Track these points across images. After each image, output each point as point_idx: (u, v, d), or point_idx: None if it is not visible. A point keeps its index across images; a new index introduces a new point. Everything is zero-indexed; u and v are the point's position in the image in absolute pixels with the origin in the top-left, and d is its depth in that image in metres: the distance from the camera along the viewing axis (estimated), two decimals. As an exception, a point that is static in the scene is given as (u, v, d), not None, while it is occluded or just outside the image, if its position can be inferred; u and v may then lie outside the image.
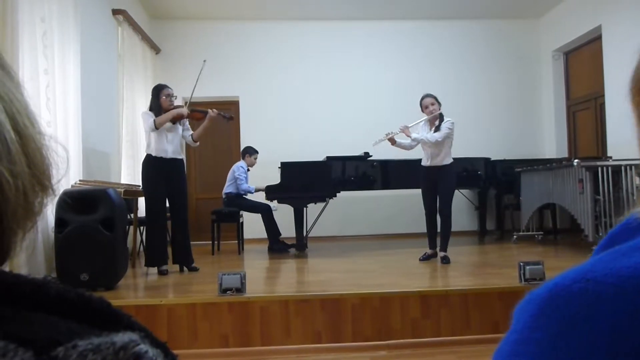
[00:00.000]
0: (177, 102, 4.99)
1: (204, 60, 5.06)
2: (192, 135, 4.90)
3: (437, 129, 4.88)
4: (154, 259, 4.65)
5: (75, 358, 0.34)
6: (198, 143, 5.01)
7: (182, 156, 4.85)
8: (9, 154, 0.39)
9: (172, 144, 4.66)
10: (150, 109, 4.70)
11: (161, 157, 4.60)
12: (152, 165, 4.60)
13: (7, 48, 3.70)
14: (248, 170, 6.58)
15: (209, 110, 4.86)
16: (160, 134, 4.58)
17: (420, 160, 5.13)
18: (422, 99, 4.99)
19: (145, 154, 4.70)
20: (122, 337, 0.37)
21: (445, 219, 4.92)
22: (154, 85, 4.88)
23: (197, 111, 4.90)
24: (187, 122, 4.91)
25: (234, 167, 6.53)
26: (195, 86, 4.91)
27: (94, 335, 0.36)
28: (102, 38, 5.94)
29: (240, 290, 3.42)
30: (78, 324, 0.37)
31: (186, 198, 4.81)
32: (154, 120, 4.52)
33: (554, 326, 0.37)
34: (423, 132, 4.98)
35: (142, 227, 5.65)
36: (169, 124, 4.63)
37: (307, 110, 7.98)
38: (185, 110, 4.67)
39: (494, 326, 3.45)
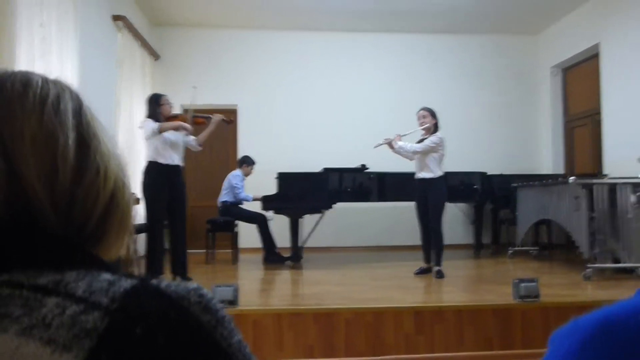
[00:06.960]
0: (174, 111, 5.01)
1: (194, 87, 5.29)
2: (195, 140, 4.93)
3: (422, 142, 5.00)
4: (159, 268, 4.57)
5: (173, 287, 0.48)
6: (201, 147, 5.05)
7: (183, 164, 4.83)
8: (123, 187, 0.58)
9: (178, 151, 4.70)
10: (149, 117, 4.65)
11: (168, 164, 4.56)
12: (157, 172, 4.53)
13: (5, 53, 3.69)
14: (244, 179, 6.57)
15: (212, 116, 5.00)
16: (164, 141, 4.55)
17: (416, 173, 5.17)
18: (418, 111, 5.16)
19: (148, 162, 4.62)
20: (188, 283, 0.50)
21: (435, 233, 4.94)
22: (149, 95, 4.85)
23: (199, 117, 5.00)
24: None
25: (230, 175, 6.51)
26: (191, 105, 5.06)
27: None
28: (102, 44, 5.93)
29: (233, 302, 3.39)
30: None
31: (186, 206, 4.78)
32: (159, 125, 4.50)
33: (603, 357, 0.36)
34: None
35: (137, 235, 5.60)
36: (172, 132, 4.64)
37: (305, 120, 7.98)
38: (189, 127, 4.72)
39: (487, 343, 3.43)
